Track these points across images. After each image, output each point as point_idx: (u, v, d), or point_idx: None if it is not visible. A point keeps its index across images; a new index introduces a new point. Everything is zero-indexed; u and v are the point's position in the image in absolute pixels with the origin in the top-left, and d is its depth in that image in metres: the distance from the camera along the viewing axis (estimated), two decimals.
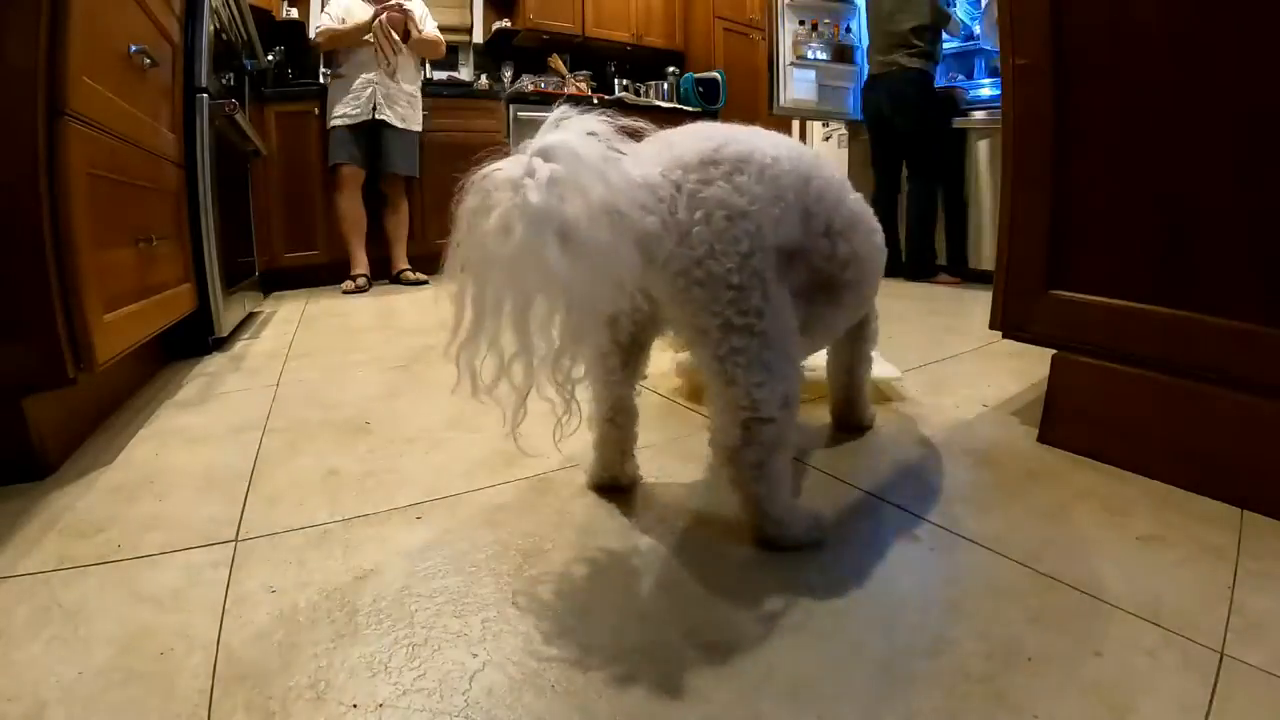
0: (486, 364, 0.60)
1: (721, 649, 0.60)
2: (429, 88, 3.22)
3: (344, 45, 2.85)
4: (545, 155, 0.59)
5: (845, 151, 3.57)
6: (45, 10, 0.95)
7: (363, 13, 2.87)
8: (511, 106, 3.52)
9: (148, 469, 1.03)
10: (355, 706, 0.54)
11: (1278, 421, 0.81)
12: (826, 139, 3.82)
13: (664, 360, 1.37)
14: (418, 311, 2.42)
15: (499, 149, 0.63)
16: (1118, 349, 0.95)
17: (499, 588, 0.70)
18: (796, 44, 3.23)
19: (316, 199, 3.03)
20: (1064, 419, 1.04)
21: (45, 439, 1.00)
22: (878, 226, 0.93)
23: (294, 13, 3.48)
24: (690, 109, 4.19)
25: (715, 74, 4.24)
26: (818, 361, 1.13)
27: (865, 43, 3.21)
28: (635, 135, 0.67)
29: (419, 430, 1.16)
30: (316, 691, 0.56)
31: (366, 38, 2.83)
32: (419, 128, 3.05)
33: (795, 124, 3.94)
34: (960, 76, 3.22)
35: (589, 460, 0.92)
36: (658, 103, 4.22)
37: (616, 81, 4.42)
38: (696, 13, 4.51)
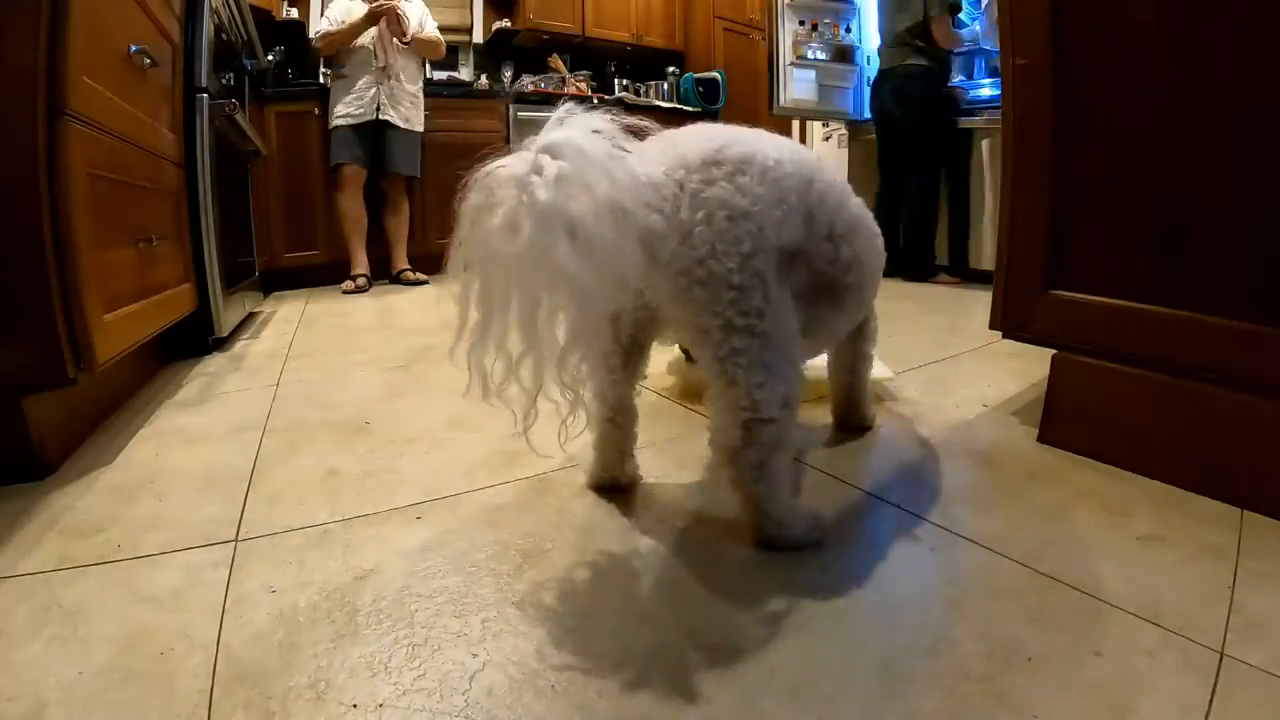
0: (494, 367, 0.60)
1: (722, 649, 0.60)
2: (429, 88, 3.22)
3: (343, 45, 2.85)
4: (551, 152, 0.58)
5: (845, 152, 3.57)
6: (45, 10, 0.95)
7: (361, 14, 2.87)
8: (511, 106, 3.52)
9: (148, 469, 1.03)
10: (355, 706, 0.54)
11: (1278, 421, 0.81)
12: (826, 139, 3.81)
13: (660, 360, 1.37)
14: (418, 311, 2.42)
15: (500, 149, 0.63)
16: (1118, 349, 0.95)
17: (499, 588, 0.70)
18: (796, 44, 3.23)
19: (316, 199, 3.03)
20: (1064, 419, 1.04)
21: (45, 439, 1.00)
22: (878, 231, 0.93)
23: (294, 13, 3.48)
24: (690, 109, 4.19)
25: (715, 74, 4.24)
26: (818, 361, 1.13)
27: (870, 39, 3.21)
28: (639, 134, 0.67)
29: (419, 430, 1.16)
30: (316, 691, 0.56)
31: (363, 40, 2.83)
32: (421, 128, 3.05)
33: (795, 124, 3.94)
34: (960, 76, 3.21)
35: (589, 460, 0.92)
36: (658, 103, 4.22)
37: (616, 81, 4.42)
38: (696, 13, 4.51)
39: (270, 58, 3.05)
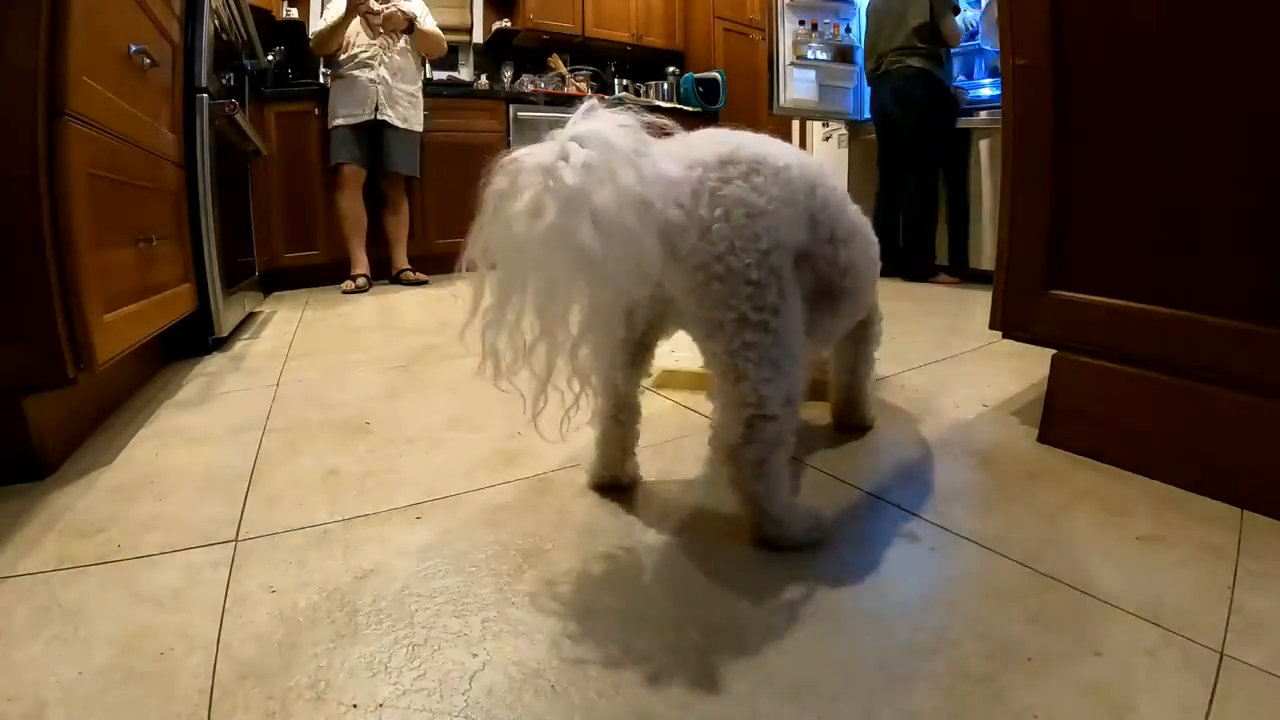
0: (506, 349, 0.61)
1: (722, 649, 0.60)
2: (429, 88, 3.22)
3: (336, 42, 2.85)
4: (579, 141, 0.59)
5: (845, 152, 3.57)
6: (45, 10, 0.95)
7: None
8: (511, 106, 3.52)
9: (148, 469, 1.03)
10: (355, 706, 0.54)
11: (1278, 421, 0.81)
12: (826, 139, 3.81)
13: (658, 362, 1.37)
14: (418, 311, 2.42)
15: (501, 150, 0.63)
16: (1118, 349, 0.95)
17: (499, 588, 0.70)
18: (796, 44, 3.23)
19: (316, 199, 3.03)
20: (1064, 419, 1.04)
21: (45, 439, 1.00)
22: (874, 239, 0.95)
23: (294, 13, 3.48)
24: (690, 109, 4.19)
25: (715, 74, 4.24)
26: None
27: (863, 40, 3.21)
28: (659, 133, 0.68)
29: (419, 430, 1.16)
30: (316, 691, 0.56)
31: (360, 42, 2.83)
32: (420, 128, 3.05)
33: (795, 124, 3.94)
34: (961, 76, 3.21)
35: (590, 460, 0.92)
36: (658, 103, 4.22)
37: (616, 81, 4.42)
38: (696, 13, 4.51)
39: (270, 58, 3.05)
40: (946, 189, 2.93)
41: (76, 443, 1.12)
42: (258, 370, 1.61)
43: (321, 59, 3.19)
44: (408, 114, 2.97)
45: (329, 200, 2.99)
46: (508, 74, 4.15)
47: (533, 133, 3.62)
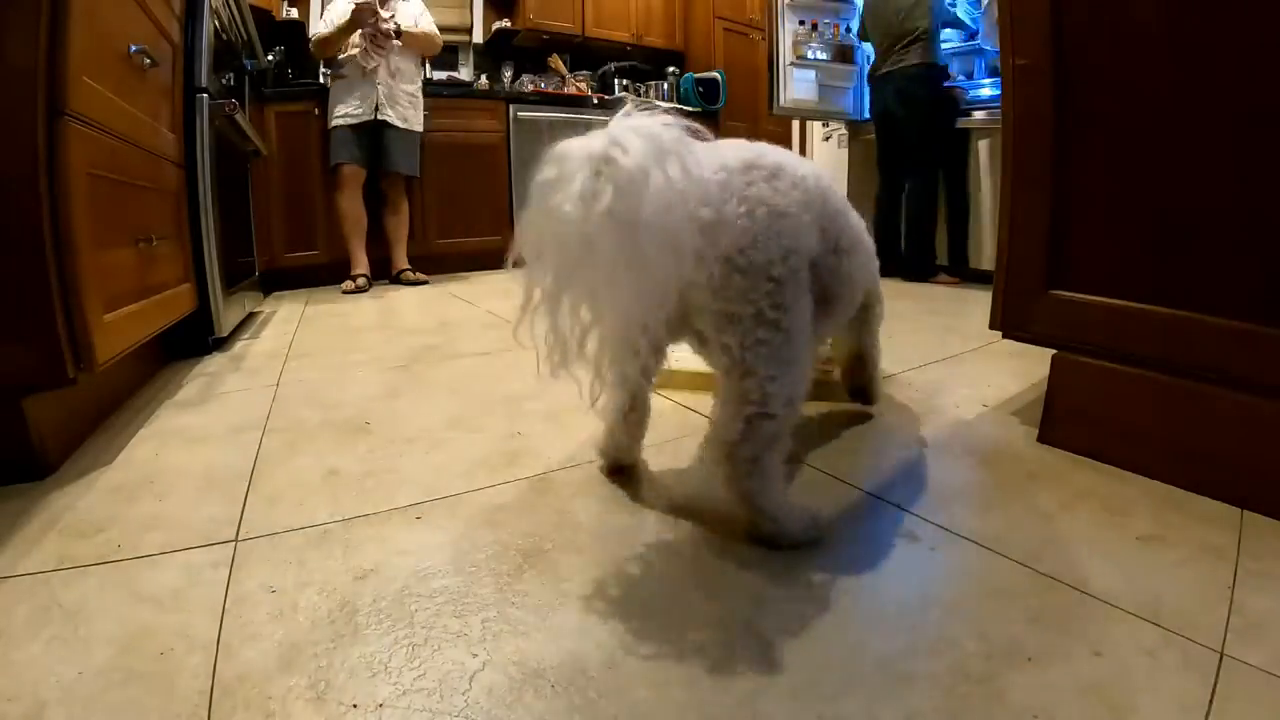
0: (564, 340, 0.62)
1: (721, 649, 0.60)
2: (429, 88, 3.22)
3: (335, 47, 2.85)
4: (630, 133, 0.61)
5: (845, 152, 3.57)
6: (45, 10, 0.95)
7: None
8: (511, 106, 3.52)
9: (148, 469, 1.03)
10: (355, 706, 0.54)
11: (1278, 421, 0.81)
12: (826, 139, 3.81)
13: None
14: (418, 311, 2.42)
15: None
16: (1118, 349, 0.95)
17: (499, 588, 0.70)
18: (796, 44, 3.23)
19: (316, 199, 3.03)
20: (1064, 419, 1.04)
21: (45, 439, 1.00)
22: (873, 252, 1.01)
23: (294, 13, 3.48)
24: (690, 109, 4.19)
25: (715, 74, 4.24)
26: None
27: (862, 39, 3.21)
28: (694, 135, 0.70)
29: (419, 430, 1.16)
30: (316, 691, 0.56)
31: (353, 48, 2.83)
32: (420, 128, 3.05)
33: (795, 124, 3.94)
34: (960, 76, 3.21)
35: (599, 443, 0.96)
36: (658, 103, 4.21)
37: (616, 81, 4.42)
38: (696, 13, 4.51)
39: (270, 58, 3.05)
40: (946, 189, 2.93)
41: (76, 443, 1.12)
42: (258, 370, 1.61)
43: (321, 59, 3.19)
44: (408, 114, 2.97)
45: (329, 200, 2.99)
46: (508, 74, 4.14)
47: (533, 133, 3.64)
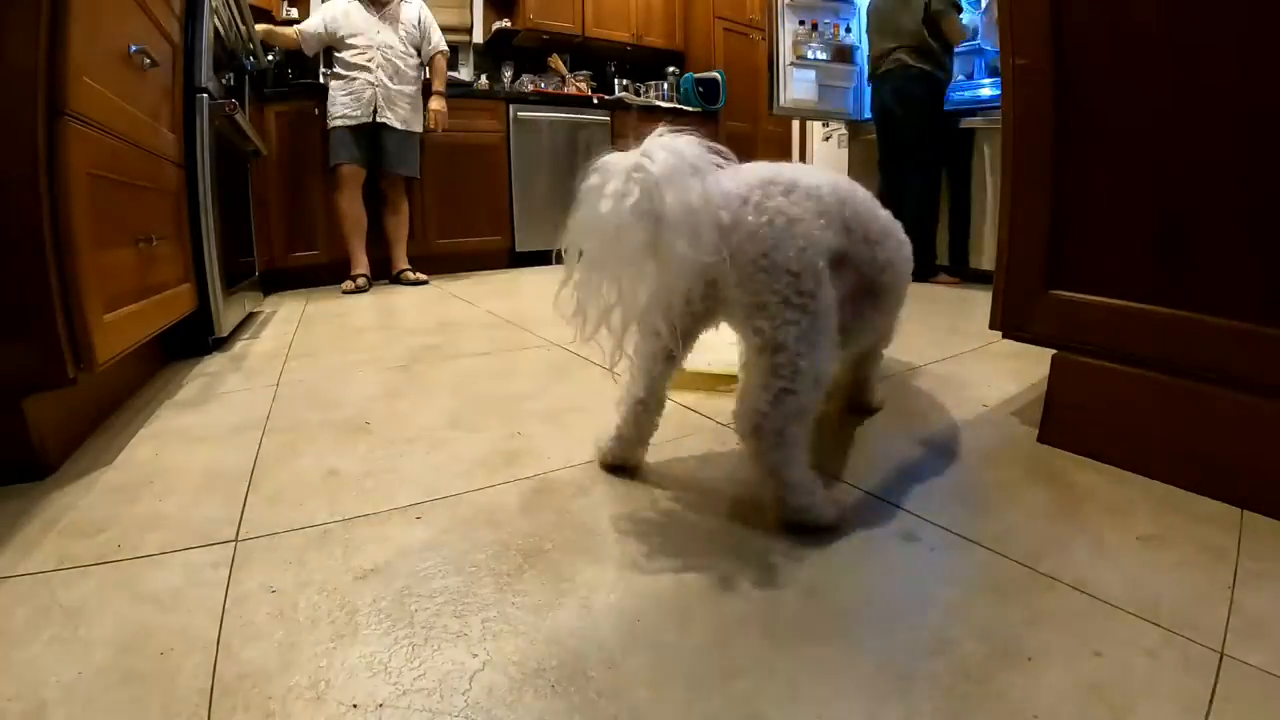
0: (591, 311, 0.75)
1: (721, 649, 0.60)
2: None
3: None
4: (659, 148, 0.73)
5: (845, 152, 3.57)
6: (45, 10, 0.95)
7: (360, 16, 2.87)
8: (511, 106, 3.52)
9: (148, 469, 1.03)
10: (355, 706, 0.54)
11: (1278, 421, 0.81)
12: (826, 139, 3.81)
13: None
14: (418, 311, 2.42)
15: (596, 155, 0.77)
16: (1118, 349, 0.95)
17: (499, 588, 0.70)
18: (796, 44, 3.23)
19: (316, 199, 3.03)
20: (1064, 419, 1.04)
21: (45, 439, 1.00)
22: (906, 240, 1.07)
23: (294, 13, 3.48)
24: (690, 109, 4.19)
25: (715, 74, 4.24)
26: (730, 356, 1.20)
27: (864, 40, 3.21)
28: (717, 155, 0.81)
29: (419, 430, 1.16)
30: (316, 691, 0.56)
31: (359, 45, 2.85)
32: (420, 129, 3.05)
33: (795, 124, 3.94)
34: (960, 77, 3.21)
35: (605, 438, 0.97)
36: (658, 103, 4.22)
37: (616, 81, 4.42)
38: (696, 13, 4.51)
39: (270, 58, 3.05)
40: (948, 189, 2.93)
41: (76, 443, 1.12)
42: (258, 370, 1.61)
43: (320, 58, 3.19)
44: (407, 115, 2.97)
45: (329, 200, 2.98)
46: (508, 74, 4.14)
47: (533, 133, 3.64)
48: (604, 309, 0.74)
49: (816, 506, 0.79)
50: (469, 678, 0.57)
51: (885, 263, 0.95)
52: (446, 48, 3.13)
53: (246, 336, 2.02)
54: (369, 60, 2.86)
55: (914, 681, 0.56)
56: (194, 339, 1.75)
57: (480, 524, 0.84)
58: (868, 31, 3.08)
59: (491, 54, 4.17)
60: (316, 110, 2.98)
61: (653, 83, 4.45)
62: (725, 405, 1.25)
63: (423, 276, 3.09)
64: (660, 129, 0.77)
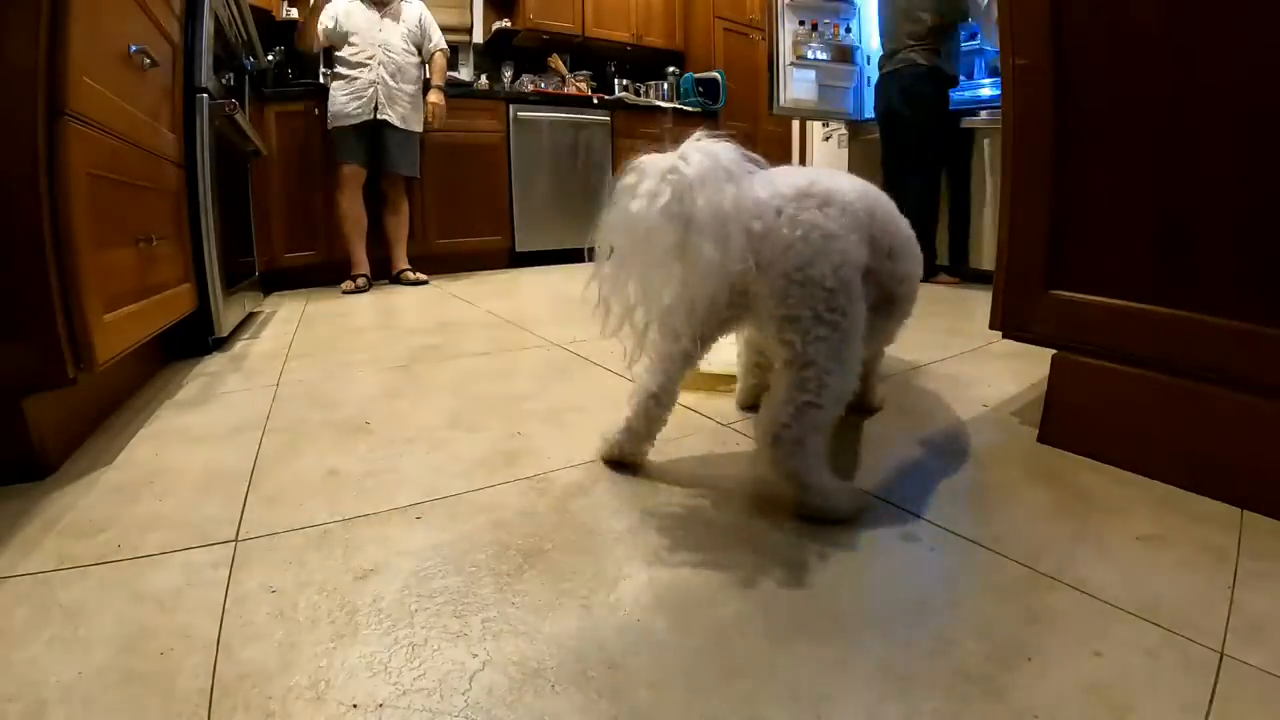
0: (616, 306, 0.76)
1: (721, 649, 0.60)
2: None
3: (309, 42, 2.93)
4: (695, 151, 0.74)
5: (845, 152, 3.57)
6: (45, 10, 0.95)
7: (361, 16, 2.87)
8: (511, 106, 3.52)
9: (148, 469, 1.03)
10: (355, 706, 0.54)
11: (1278, 421, 0.81)
12: (826, 139, 3.81)
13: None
14: (418, 311, 2.42)
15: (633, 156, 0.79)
16: (1118, 349, 0.95)
17: (499, 588, 0.70)
18: (796, 44, 3.23)
19: (316, 199, 3.03)
20: (1064, 419, 1.04)
21: (45, 439, 1.00)
22: (919, 251, 1.07)
23: (294, 13, 3.47)
24: (690, 109, 4.19)
25: (715, 74, 4.24)
26: (729, 355, 1.24)
27: (870, 39, 3.20)
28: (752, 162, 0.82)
29: (419, 430, 1.16)
30: (316, 691, 0.56)
31: (361, 42, 2.85)
32: (420, 128, 3.05)
33: (795, 124, 3.93)
34: (961, 77, 3.21)
35: (611, 432, 0.97)
36: (658, 103, 4.22)
37: (616, 81, 4.42)
38: (696, 13, 4.51)
39: (270, 58, 3.06)
40: (948, 188, 2.93)
41: (76, 443, 1.12)
42: (258, 370, 1.61)
43: (320, 57, 3.19)
44: (408, 114, 2.97)
45: (329, 200, 2.98)
46: (508, 74, 4.14)
47: (533, 133, 3.64)
48: (628, 306, 0.75)
49: (832, 504, 0.82)
50: (469, 678, 0.57)
51: (904, 275, 0.97)
52: (446, 47, 3.13)
53: (246, 336, 2.02)
54: (370, 58, 2.86)
55: (914, 681, 0.56)
56: (194, 339, 1.75)
57: (480, 524, 0.84)
58: (879, 28, 3.06)
59: (491, 54, 4.17)
60: (316, 110, 2.98)
61: (653, 83, 4.45)
62: (725, 405, 1.26)
63: (423, 276, 3.09)
64: (698, 133, 0.77)
